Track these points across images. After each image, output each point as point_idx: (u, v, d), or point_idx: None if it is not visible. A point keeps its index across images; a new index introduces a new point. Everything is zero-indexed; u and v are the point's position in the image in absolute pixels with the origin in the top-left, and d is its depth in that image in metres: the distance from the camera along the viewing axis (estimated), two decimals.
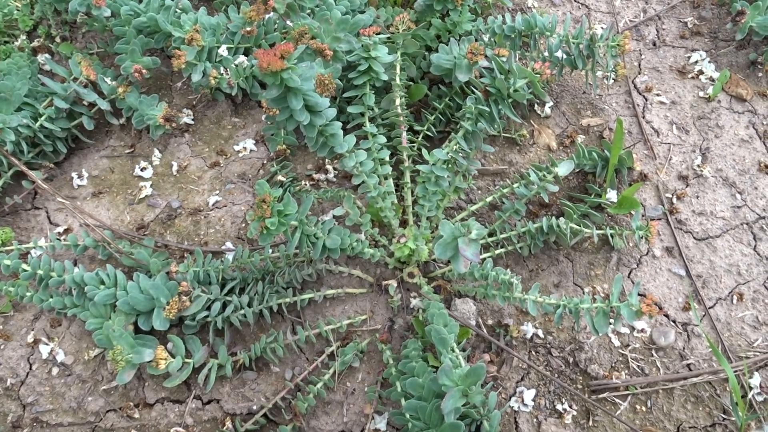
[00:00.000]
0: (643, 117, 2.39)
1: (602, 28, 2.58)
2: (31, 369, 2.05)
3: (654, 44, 2.58)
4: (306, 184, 2.25)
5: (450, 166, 1.93)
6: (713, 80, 2.44)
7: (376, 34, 1.83)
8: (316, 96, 1.51)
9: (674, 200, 2.21)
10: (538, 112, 2.41)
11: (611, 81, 2.43)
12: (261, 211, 1.62)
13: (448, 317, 1.75)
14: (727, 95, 2.41)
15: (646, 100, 2.43)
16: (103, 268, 2.15)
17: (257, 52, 1.41)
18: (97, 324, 1.99)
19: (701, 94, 2.42)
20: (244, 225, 2.25)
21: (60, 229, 2.30)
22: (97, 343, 1.95)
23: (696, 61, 2.50)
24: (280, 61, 1.41)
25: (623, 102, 2.43)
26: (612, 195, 2.13)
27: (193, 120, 2.50)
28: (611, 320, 1.68)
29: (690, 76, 2.47)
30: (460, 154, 1.90)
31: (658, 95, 2.44)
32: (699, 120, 2.37)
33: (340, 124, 1.61)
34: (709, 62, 2.48)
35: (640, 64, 2.53)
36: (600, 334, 1.69)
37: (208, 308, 1.99)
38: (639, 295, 2.02)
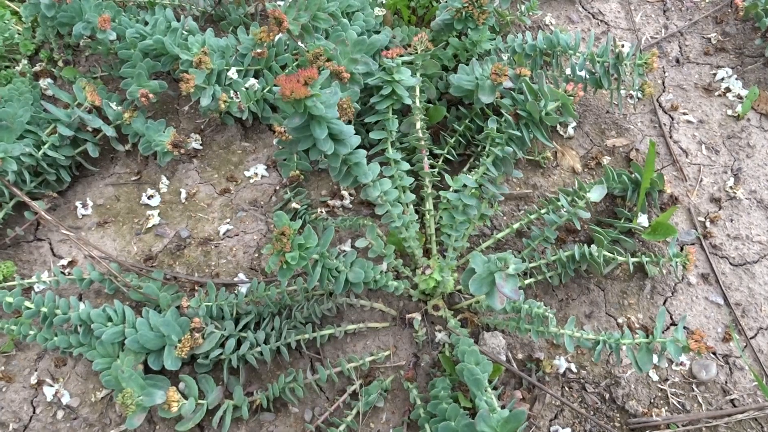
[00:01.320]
0: (670, 137, 2.30)
1: (625, 45, 2.50)
2: (34, 412, 1.94)
3: (677, 61, 2.50)
4: (322, 212, 2.15)
5: (475, 191, 1.83)
6: (741, 98, 2.35)
7: (399, 56, 1.74)
8: (340, 124, 1.42)
9: (707, 224, 2.11)
10: (561, 132, 2.32)
11: (636, 100, 2.34)
12: (281, 245, 1.52)
13: (480, 355, 1.65)
14: (756, 113, 2.32)
15: (672, 119, 2.34)
16: (110, 303, 2.04)
17: (279, 79, 1.32)
18: (104, 364, 1.88)
19: (729, 112, 2.33)
20: (257, 255, 2.15)
21: (64, 262, 2.19)
22: (104, 385, 1.83)
23: (722, 78, 2.42)
24: (304, 88, 1.32)
25: (648, 121, 2.34)
26: (643, 219, 2.03)
27: (201, 145, 2.41)
28: (655, 356, 1.58)
29: (717, 93, 2.39)
30: (487, 180, 1.80)
31: (684, 114, 2.35)
32: (729, 139, 2.28)
33: (364, 152, 1.52)
34: (736, 79, 2.39)
35: (664, 82, 2.45)
36: (643, 372, 1.58)
37: (222, 345, 1.89)
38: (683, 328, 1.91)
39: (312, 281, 1.62)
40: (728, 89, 2.39)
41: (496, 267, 1.41)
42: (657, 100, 2.39)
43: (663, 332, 1.92)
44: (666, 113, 2.36)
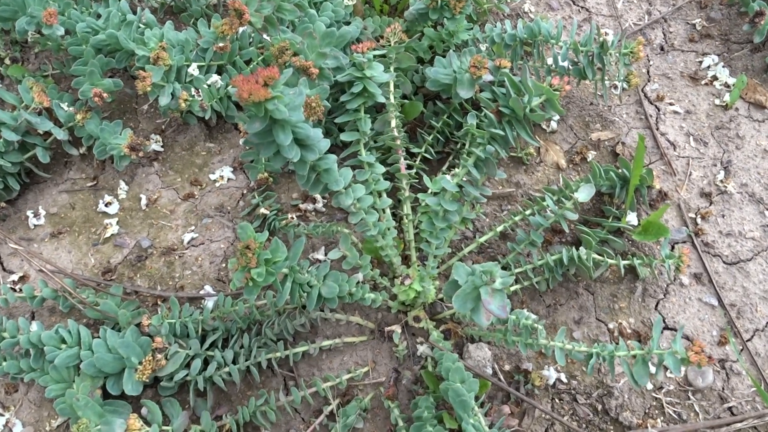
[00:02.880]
0: (657, 129, 2.19)
1: (608, 33, 2.38)
2: None
3: (662, 49, 2.39)
4: (293, 218, 2.01)
5: (456, 194, 1.70)
6: (729, 86, 2.26)
7: (370, 50, 1.60)
8: (307, 128, 1.28)
9: (698, 220, 2.01)
10: (544, 127, 2.21)
11: (621, 91, 2.23)
12: (245, 260, 1.39)
13: (465, 372, 1.53)
14: (744, 102, 2.23)
15: (659, 110, 2.24)
16: (64, 322, 1.89)
17: (236, 80, 1.18)
18: (58, 390, 1.73)
19: (717, 101, 2.24)
20: (224, 265, 2.01)
21: (15, 277, 2.03)
22: (59, 413, 1.69)
23: (708, 66, 2.32)
24: (264, 90, 1.18)
25: (634, 113, 2.24)
26: (632, 218, 1.93)
27: (162, 147, 2.25)
28: (652, 369, 1.47)
29: (703, 82, 2.29)
30: (468, 182, 1.68)
31: (671, 104, 2.24)
32: (717, 130, 2.18)
33: (335, 158, 1.38)
34: (723, 67, 2.29)
35: (648, 71, 2.34)
36: (640, 386, 1.48)
37: (188, 366, 1.75)
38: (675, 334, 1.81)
39: (281, 298, 1.48)
40: (715, 77, 2.29)
41: (481, 281, 1.28)
42: (642, 90, 2.29)
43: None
44: (652, 104, 2.26)
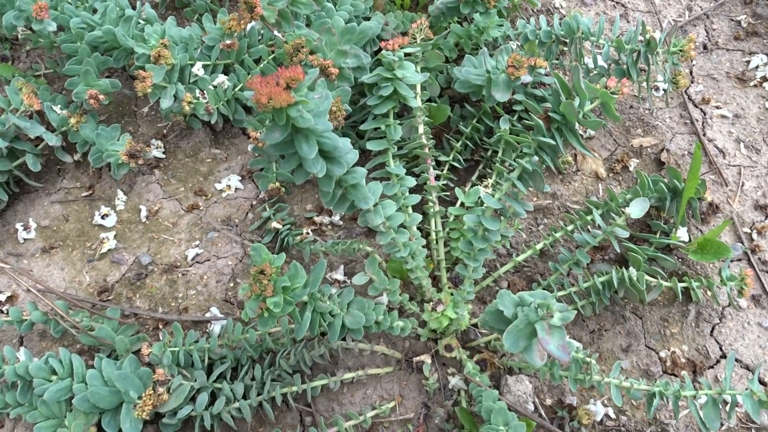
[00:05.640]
0: (704, 134, 2.01)
1: (651, 29, 2.20)
2: None
3: (705, 47, 2.21)
4: (308, 233, 1.82)
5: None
6: None
7: (401, 48, 1.41)
8: (334, 138, 1.09)
9: (754, 235, 1.83)
10: (580, 131, 2.02)
11: (663, 93, 2.04)
12: (260, 288, 1.21)
13: (509, 411, 1.34)
14: None
15: (705, 114, 2.05)
16: (55, 349, 1.72)
17: (253, 82, 0.99)
18: (48, 428, 1.55)
19: None
20: (232, 285, 1.82)
21: (2, 297, 1.84)
22: None
23: (757, 66, 2.13)
24: (286, 94, 0.99)
25: (678, 117, 2.05)
26: (682, 233, 1.74)
27: (164, 153, 2.07)
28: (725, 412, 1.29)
29: (752, 83, 2.10)
30: (508, 195, 1.49)
31: (717, 107, 2.06)
32: None
33: (364, 171, 1.20)
34: None
35: (692, 72, 2.15)
36: (710, 431, 1.30)
37: (192, 400, 1.56)
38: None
39: (301, 330, 1.30)
40: (765, 78, 2.10)
41: (536, 316, 1.10)
42: (686, 92, 2.10)
43: (712, 367, 1.66)
44: (697, 107, 2.07)
